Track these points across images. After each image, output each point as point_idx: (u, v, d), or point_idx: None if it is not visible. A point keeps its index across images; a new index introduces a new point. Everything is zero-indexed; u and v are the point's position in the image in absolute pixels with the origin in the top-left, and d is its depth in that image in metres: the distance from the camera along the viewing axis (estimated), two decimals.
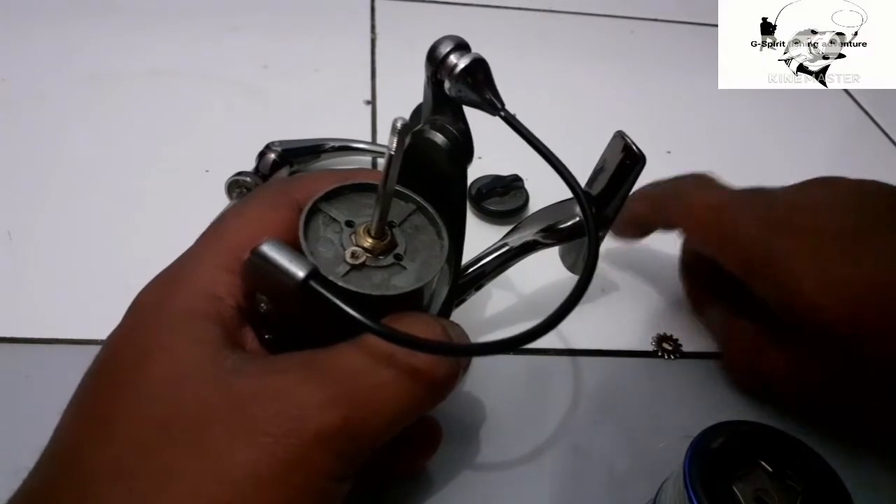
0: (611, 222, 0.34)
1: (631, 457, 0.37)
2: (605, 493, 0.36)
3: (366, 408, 0.23)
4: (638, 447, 0.38)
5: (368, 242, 0.25)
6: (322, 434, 0.22)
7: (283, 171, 0.49)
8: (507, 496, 0.35)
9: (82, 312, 0.40)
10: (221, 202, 0.46)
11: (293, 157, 0.50)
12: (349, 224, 0.26)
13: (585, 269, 0.26)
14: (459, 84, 0.27)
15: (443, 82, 0.27)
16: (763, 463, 0.30)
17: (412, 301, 0.25)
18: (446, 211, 0.28)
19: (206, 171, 0.50)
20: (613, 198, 0.33)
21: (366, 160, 0.53)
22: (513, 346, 0.23)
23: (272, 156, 0.48)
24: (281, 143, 0.49)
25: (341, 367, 0.23)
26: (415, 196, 0.28)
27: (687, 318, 0.45)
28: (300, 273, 0.22)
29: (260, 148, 0.49)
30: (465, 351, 0.26)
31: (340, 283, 0.24)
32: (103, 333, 0.40)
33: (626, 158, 0.31)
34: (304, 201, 0.27)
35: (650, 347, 0.43)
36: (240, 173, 0.47)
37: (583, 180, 0.33)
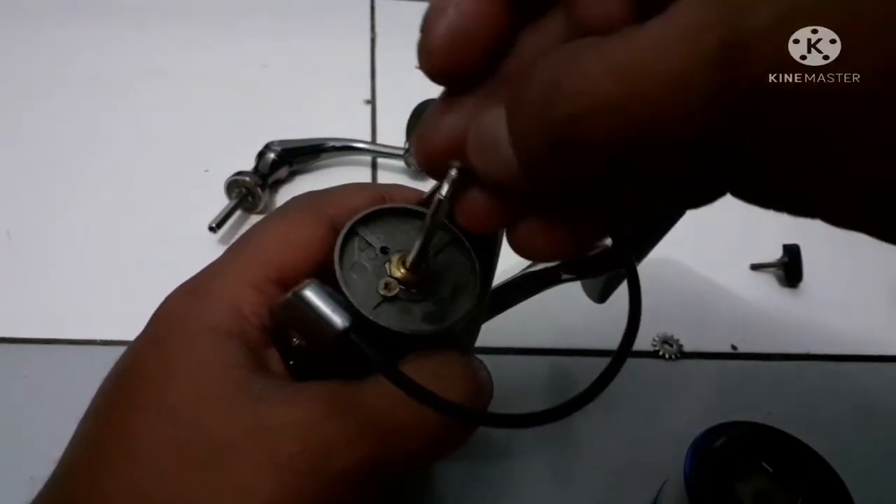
0: (641, 260, 0.33)
1: (631, 457, 0.37)
2: (606, 493, 0.36)
3: (391, 447, 0.23)
4: (638, 447, 0.38)
5: (402, 273, 0.25)
6: (347, 472, 0.22)
7: (283, 171, 0.49)
8: (507, 495, 0.35)
9: (81, 312, 0.40)
10: (221, 202, 0.46)
11: (292, 156, 0.49)
12: (384, 251, 0.26)
13: (628, 330, 0.25)
14: None
15: None
16: (764, 464, 0.30)
17: (442, 337, 0.25)
18: (480, 242, 0.27)
19: (206, 170, 0.50)
20: (648, 240, 0.32)
21: (366, 160, 0.53)
22: (548, 419, 0.22)
23: (271, 155, 0.48)
24: (280, 142, 0.49)
25: (368, 403, 0.23)
26: (451, 227, 0.27)
27: (688, 318, 0.45)
28: (341, 323, 0.22)
29: (259, 147, 0.49)
30: (486, 420, 0.25)
31: (372, 318, 0.23)
32: (104, 333, 0.40)
33: None
34: (336, 216, 0.26)
35: (651, 347, 0.43)
36: (239, 173, 0.47)
37: None
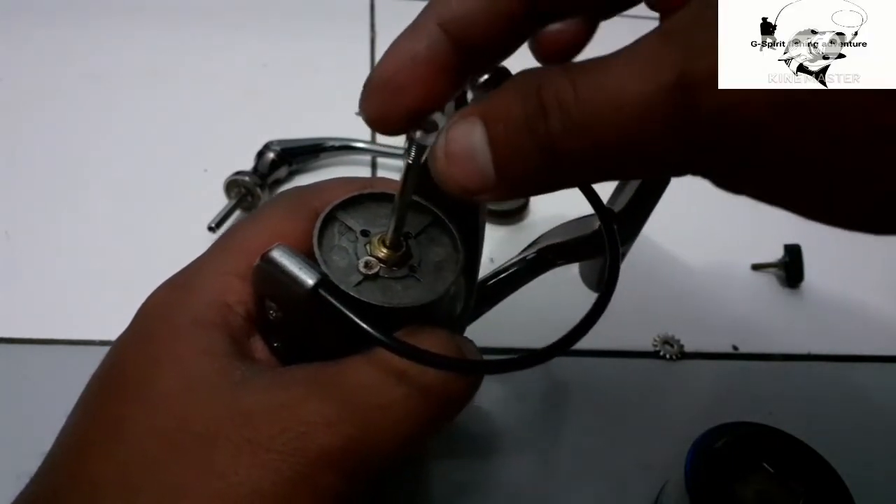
0: (633, 240, 0.33)
1: (632, 458, 0.37)
2: (606, 493, 0.36)
3: (374, 427, 0.22)
4: (639, 448, 0.38)
5: (383, 253, 0.25)
6: (328, 453, 0.21)
7: (282, 171, 0.49)
8: (507, 496, 0.35)
9: (80, 312, 0.40)
10: (220, 201, 0.46)
11: (292, 156, 0.49)
12: (364, 233, 0.26)
13: (606, 287, 0.26)
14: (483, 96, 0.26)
15: (465, 93, 0.27)
16: (765, 464, 0.30)
17: (425, 314, 0.25)
18: (462, 223, 0.27)
19: (205, 170, 0.50)
20: (636, 216, 0.32)
21: (365, 159, 0.53)
22: (526, 364, 0.23)
23: (271, 155, 0.48)
24: (280, 142, 0.49)
25: (350, 382, 0.23)
26: (432, 207, 0.27)
27: (689, 319, 0.45)
28: (309, 281, 0.22)
29: (258, 147, 0.49)
30: (478, 368, 0.26)
31: (352, 293, 0.23)
32: (102, 333, 0.40)
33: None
34: (322, 209, 0.26)
35: (651, 348, 0.43)
36: (238, 173, 0.47)
37: None
